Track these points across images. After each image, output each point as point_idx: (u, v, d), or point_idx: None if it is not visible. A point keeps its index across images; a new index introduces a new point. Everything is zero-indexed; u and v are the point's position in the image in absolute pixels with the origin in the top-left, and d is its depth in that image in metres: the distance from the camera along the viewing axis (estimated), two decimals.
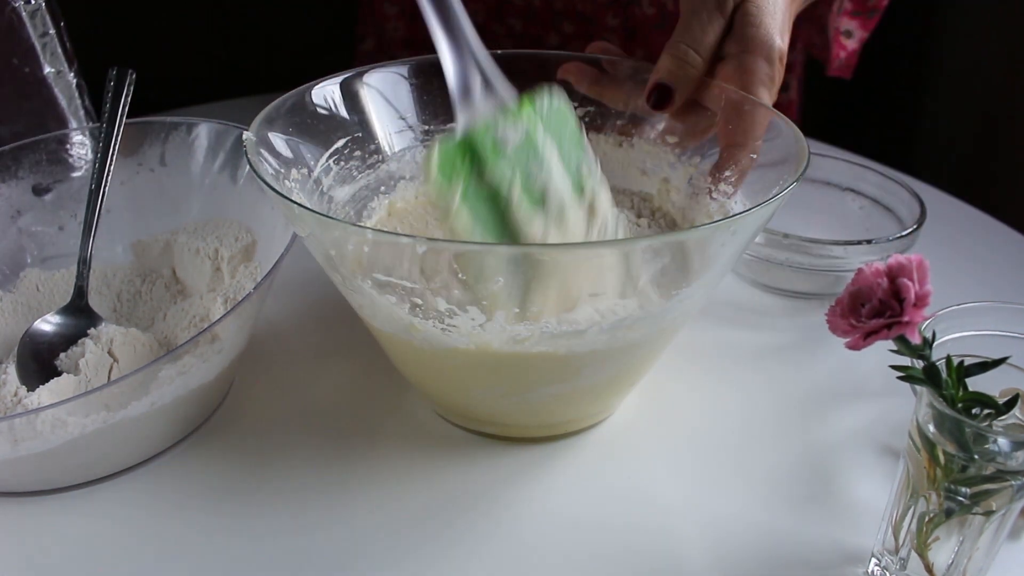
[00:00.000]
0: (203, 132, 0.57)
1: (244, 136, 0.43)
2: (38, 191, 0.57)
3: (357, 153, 0.52)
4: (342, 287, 0.43)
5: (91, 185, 0.53)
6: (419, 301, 0.40)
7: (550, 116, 0.39)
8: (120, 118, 0.54)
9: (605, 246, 0.41)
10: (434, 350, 0.42)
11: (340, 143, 0.51)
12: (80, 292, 0.51)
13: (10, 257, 0.56)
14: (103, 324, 0.50)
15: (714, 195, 0.50)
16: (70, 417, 0.40)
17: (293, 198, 0.39)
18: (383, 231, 0.38)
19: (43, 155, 0.57)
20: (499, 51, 0.55)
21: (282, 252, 0.46)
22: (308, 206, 0.42)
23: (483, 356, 0.41)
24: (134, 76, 0.55)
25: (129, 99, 0.55)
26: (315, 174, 0.49)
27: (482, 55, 0.42)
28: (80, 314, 0.51)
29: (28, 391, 0.45)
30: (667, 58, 0.47)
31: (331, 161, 0.50)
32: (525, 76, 0.55)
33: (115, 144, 0.54)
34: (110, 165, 0.53)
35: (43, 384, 0.45)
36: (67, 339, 0.49)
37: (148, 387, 0.42)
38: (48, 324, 0.50)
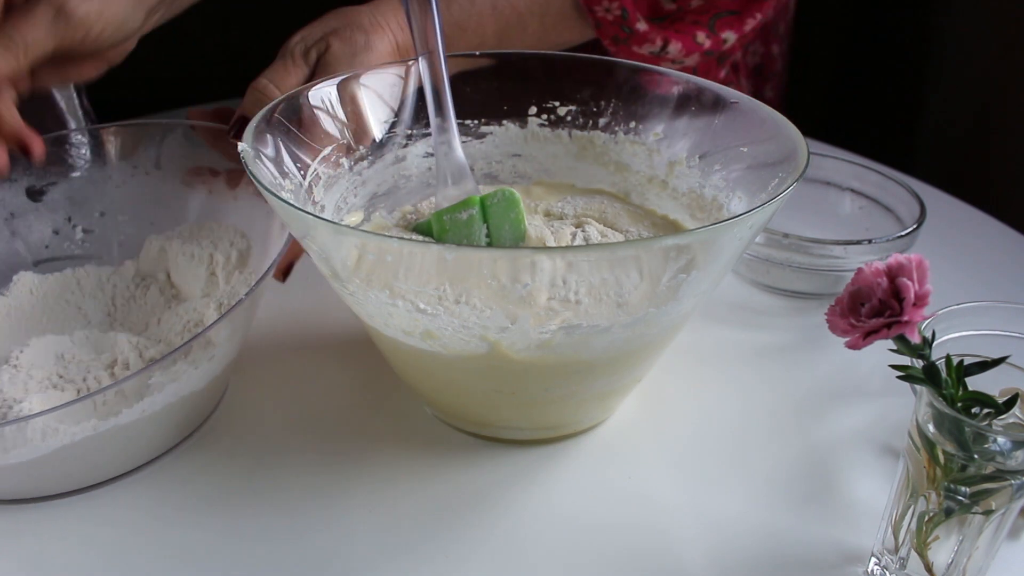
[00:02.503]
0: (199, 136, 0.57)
1: (240, 148, 0.43)
2: (32, 194, 0.56)
3: (343, 160, 0.51)
4: (350, 297, 0.43)
5: None
6: (441, 309, 0.40)
7: (498, 204, 0.49)
8: None
9: (631, 246, 0.42)
10: (448, 356, 0.42)
11: (331, 148, 0.51)
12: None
13: (3, 260, 0.56)
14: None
15: (706, 190, 0.50)
16: (60, 425, 0.40)
17: (294, 203, 0.39)
18: (410, 239, 0.38)
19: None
20: (501, 52, 0.55)
21: (275, 258, 0.46)
22: (320, 215, 0.42)
23: (501, 360, 0.41)
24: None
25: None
26: (307, 180, 0.49)
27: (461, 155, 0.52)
28: None
29: (17, 401, 0.45)
30: (250, 93, 0.51)
31: (322, 165, 0.50)
32: (525, 76, 0.55)
33: None
34: None
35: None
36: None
37: (140, 394, 0.42)
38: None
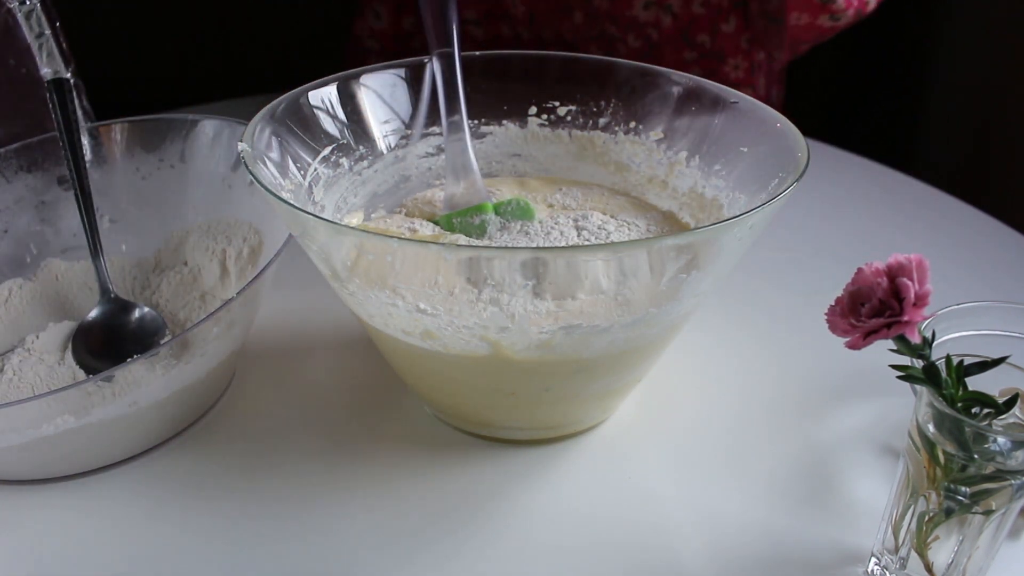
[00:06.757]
0: (224, 131, 0.57)
1: (240, 147, 0.43)
2: (63, 182, 0.57)
3: (343, 160, 0.51)
4: (350, 297, 0.43)
5: (80, 210, 0.52)
6: (440, 308, 0.40)
7: (512, 212, 0.50)
8: (74, 126, 0.53)
9: (635, 246, 0.42)
10: (448, 356, 0.42)
11: (331, 148, 0.51)
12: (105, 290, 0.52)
13: (33, 246, 0.57)
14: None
15: (706, 190, 0.50)
16: (37, 416, 0.40)
17: (294, 203, 0.39)
18: (411, 239, 0.38)
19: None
20: (505, 51, 0.55)
21: (271, 257, 0.46)
22: (320, 215, 0.42)
23: (501, 360, 0.41)
24: (72, 82, 0.55)
25: (76, 104, 0.54)
26: (307, 180, 0.49)
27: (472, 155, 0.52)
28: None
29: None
30: None
31: (322, 165, 0.50)
32: (527, 76, 0.55)
33: (81, 155, 0.53)
34: (85, 179, 0.52)
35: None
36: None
37: (126, 389, 0.42)
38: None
